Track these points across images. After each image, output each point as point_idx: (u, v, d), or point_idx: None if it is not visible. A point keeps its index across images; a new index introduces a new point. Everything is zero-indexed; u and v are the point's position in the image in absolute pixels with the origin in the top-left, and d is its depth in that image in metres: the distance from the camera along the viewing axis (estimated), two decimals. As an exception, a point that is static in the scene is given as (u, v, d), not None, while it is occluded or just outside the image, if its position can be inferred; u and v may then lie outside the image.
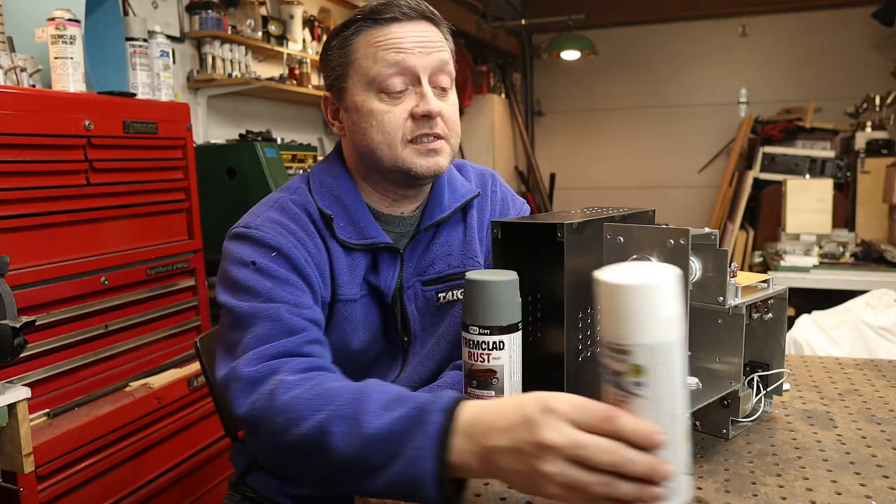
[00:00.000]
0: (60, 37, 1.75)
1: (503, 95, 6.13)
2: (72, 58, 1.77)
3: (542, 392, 0.66)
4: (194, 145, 2.24)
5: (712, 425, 0.94)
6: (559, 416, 0.63)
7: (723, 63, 6.12)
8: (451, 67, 1.06)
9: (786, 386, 0.99)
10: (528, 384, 0.86)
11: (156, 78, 2.17)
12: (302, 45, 3.52)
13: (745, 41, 6.06)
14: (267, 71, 3.37)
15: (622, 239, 0.79)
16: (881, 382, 1.13)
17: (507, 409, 0.67)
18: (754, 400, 0.97)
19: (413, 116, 1.02)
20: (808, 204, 3.50)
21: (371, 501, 1.00)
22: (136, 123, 1.89)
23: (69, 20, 1.76)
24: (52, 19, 1.75)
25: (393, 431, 0.72)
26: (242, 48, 3.08)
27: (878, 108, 4.68)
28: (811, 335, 2.53)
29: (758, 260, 3.82)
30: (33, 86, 1.78)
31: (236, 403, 0.86)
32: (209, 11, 2.88)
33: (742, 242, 4.36)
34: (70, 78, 1.77)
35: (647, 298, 0.60)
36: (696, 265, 0.81)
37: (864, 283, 3.08)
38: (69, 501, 1.61)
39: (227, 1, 3.09)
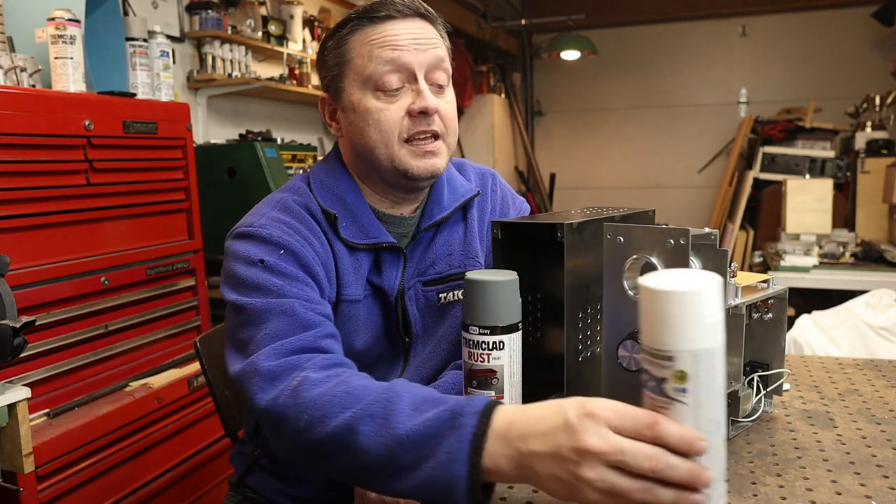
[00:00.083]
0: (60, 37, 1.75)
1: (503, 95, 6.13)
2: (72, 58, 1.77)
3: (582, 397, 0.66)
4: (194, 145, 2.25)
5: (712, 425, 0.93)
6: (600, 422, 0.63)
7: (723, 63, 6.12)
8: (448, 64, 1.06)
9: (786, 386, 0.99)
10: (528, 384, 0.86)
11: (156, 78, 2.17)
12: (302, 45, 3.52)
13: (745, 41, 6.06)
14: (267, 71, 3.37)
15: (622, 239, 0.79)
16: (881, 382, 1.13)
17: (547, 413, 0.67)
18: (754, 400, 0.97)
19: (410, 114, 1.01)
20: (808, 204, 3.49)
21: (371, 501, 1.01)
22: (136, 123, 1.89)
23: (69, 20, 1.76)
24: (52, 19, 1.75)
25: (425, 433, 0.71)
26: (242, 48, 3.08)
27: (878, 108, 4.68)
28: (811, 335, 2.53)
29: (758, 260, 3.82)
30: (33, 86, 1.78)
31: (257, 397, 0.85)
32: (209, 11, 2.88)
33: (742, 242, 4.36)
34: (70, 78, 1.77)
35: (693, 304, 0.60)
36: (696, 265, 0.81)
37: (864, 283, 3.08)
38: (69, 501, 1.61)
39: (227, 1, 3.09)
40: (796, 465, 0.84)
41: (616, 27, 6.31)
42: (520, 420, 0.68)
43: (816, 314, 2.63)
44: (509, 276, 0.81)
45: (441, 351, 1.13)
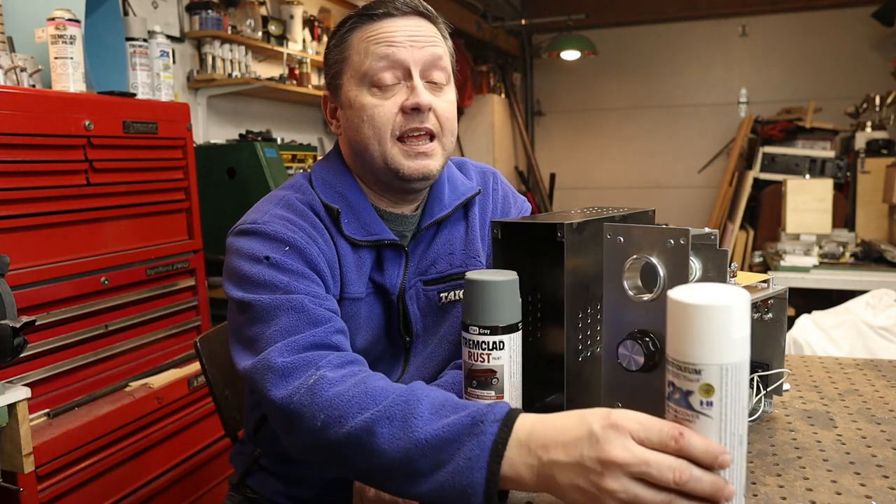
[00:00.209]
0: (60, 37, 1.75)
1: (503, 95, 6.13)
2: (72, 58, 1.76)
3: (606, 409, 0.67)
4: (194, 145, 2.25)
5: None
6: (625, 433, 0.63)
7: (723, 63, 6.12)
8: (446, 63, 1.05)
9: (786, 386, 0.99)
10: (528, 384, 0.86)
11: (156, 78, 2.17)
12: (302, 45, 3.52)
13: (745, 41, 6.06)
14: (267, 71, 3.37)
15: (622, 239, 0.79)
16: (881, 382, 1.13)
17: (570, 424, 0.67)
18: (754, 400, 0.97)
19: (403, 110, 1.01)
20: (808, 204, 3.49)
21: (370, 500, 1.01)
22: (136, 123, 1.89)
23: (69, 20, 1.76)
24: (52, 19, 1.75)
25: (444, 438, 0.71)
26: (242, 48, 3.08)
27: (878, 108, 4.68)
28: (811, 335, 2.53)
29: (758, 260, 3.82)
30: (33, 86, 1.78)
31: (271, 393, 0.84)
32: (209, 11, 2.88)
33: (742, 242, 4.36)
34: (70, 78, 1.76)
35: (722, 319, 0.61)
36: (696, 265, 0.81)
37: (864, 283, 3.08)
38: (69, 501, 1.61)
39: (227, 1, 3.09)
40: (796, 465, 0.84)
41: (616, 27, 6.31)
42: (542, 429, 0.68)
43: (816, 314, 2.63)
44: (509, 276, 0.81)
45: (442, 351, 1.12)
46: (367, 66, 1.01)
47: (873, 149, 4.19)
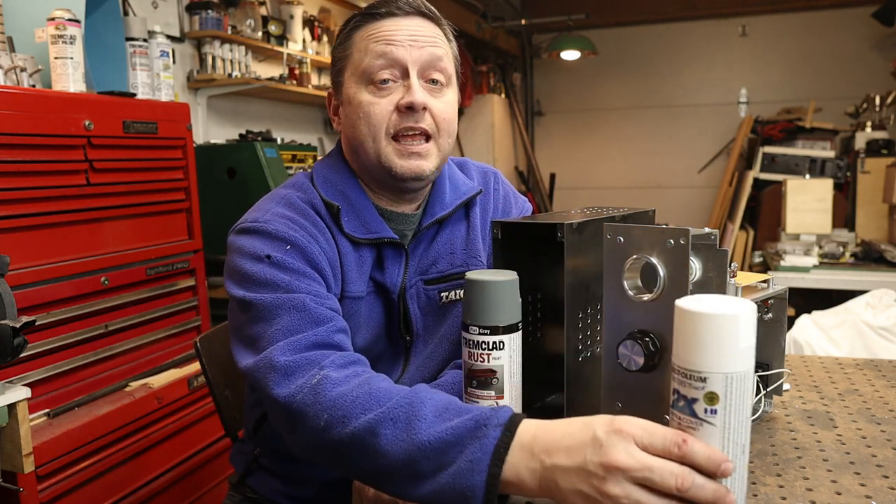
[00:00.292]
0: (60, 37, 1.75)
1: (503, 95, 6.13)
2: (72, 58, 1.76)
3: (610, 415, 0.67)
4: (194, 145, 2.25)
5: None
6: (628, 438, 0.63)
7: (723, 63, 6.12)
8: (447, 65, 1.05)
9: (786, 386, 0.99)
10: (528, 384, 0.86)
11: (156, 78, 2.17)
12: (302, 45, 3.52)
13: (745, 41, 6.06)
14: (267, 71, 3.37)
15: (622, 239, 0.79)
16: (881, 382, 1.13)
17: (574, 429, 0.67)
18: (754, 400, 0.97)
19: (398, 109, 1.01)
20: (808, 204, 3.49)
21: (369, 500, 1.00)
22: (136, 123, 1.89)
23: (69, 20, 1.76)
24: (52, 19, 1.75)
25: (447, 441, 0.71)
26: (242, 48, 3.08)
27: (878, 108, 4.68)
28: (811, 335, 2.53)
29: (758, 260, 3.82)
30: (33, 86, 1.78)
31: (274, 392, 0.84)
32: (209, 11, 2.88)
33: (742, 242, 4.36)
34: (70, 78, 1.76)
35: (729, 328, 0.62)
36: (696, 265, 0.81)
37: (864, 283, 3.08)
38: (69, 501, 1.61)
39: (227, 1, 3.09)
40: (796, 465, 0.84)
41: (616, 27, 6.31)
42: (545, 434, 0.68)
43: (816, 314, 2.63)
44: (509, 276, 0.81)
45: (442, 350, 1.12)
46: (366, 64, 1.01)
47: (873, 149, 4.19)
